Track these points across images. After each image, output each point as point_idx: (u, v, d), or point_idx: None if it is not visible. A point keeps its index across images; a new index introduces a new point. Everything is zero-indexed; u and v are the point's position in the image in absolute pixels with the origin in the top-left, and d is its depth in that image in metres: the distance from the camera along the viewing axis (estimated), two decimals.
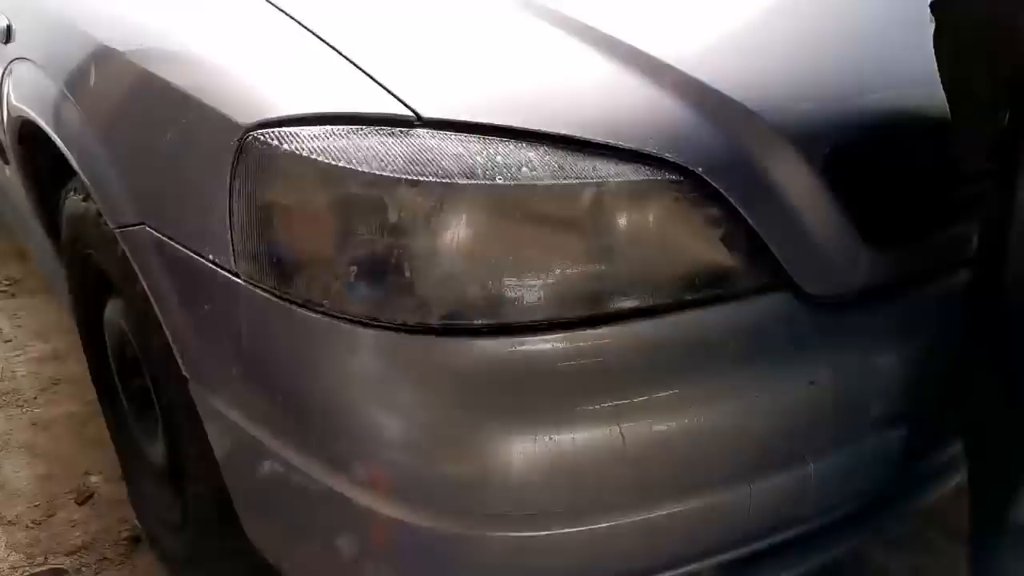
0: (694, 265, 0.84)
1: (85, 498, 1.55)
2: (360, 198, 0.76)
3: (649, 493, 0.82)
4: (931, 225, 0.97)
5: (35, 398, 1.85)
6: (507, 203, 0.77)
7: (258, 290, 0.84)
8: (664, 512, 0.82)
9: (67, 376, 1.92)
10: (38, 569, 1.40)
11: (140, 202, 1.01)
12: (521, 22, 1.01)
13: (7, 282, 2.34)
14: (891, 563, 1.39)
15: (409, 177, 0.76)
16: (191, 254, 0.91)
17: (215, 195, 0.86)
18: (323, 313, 0.80)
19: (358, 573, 0.88)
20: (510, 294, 0.78)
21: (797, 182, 0.85)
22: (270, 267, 0.83)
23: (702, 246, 0.85)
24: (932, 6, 0.79)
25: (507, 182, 0.77)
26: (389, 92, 0.83)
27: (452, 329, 0.78)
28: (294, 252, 0.82)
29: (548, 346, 0.78)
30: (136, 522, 1.46)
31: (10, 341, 2.06)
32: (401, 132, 0.79)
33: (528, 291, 0.78)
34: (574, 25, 0.99)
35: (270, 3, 1.00)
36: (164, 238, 0.96)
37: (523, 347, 0.78)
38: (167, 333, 1.00)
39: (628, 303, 0.81)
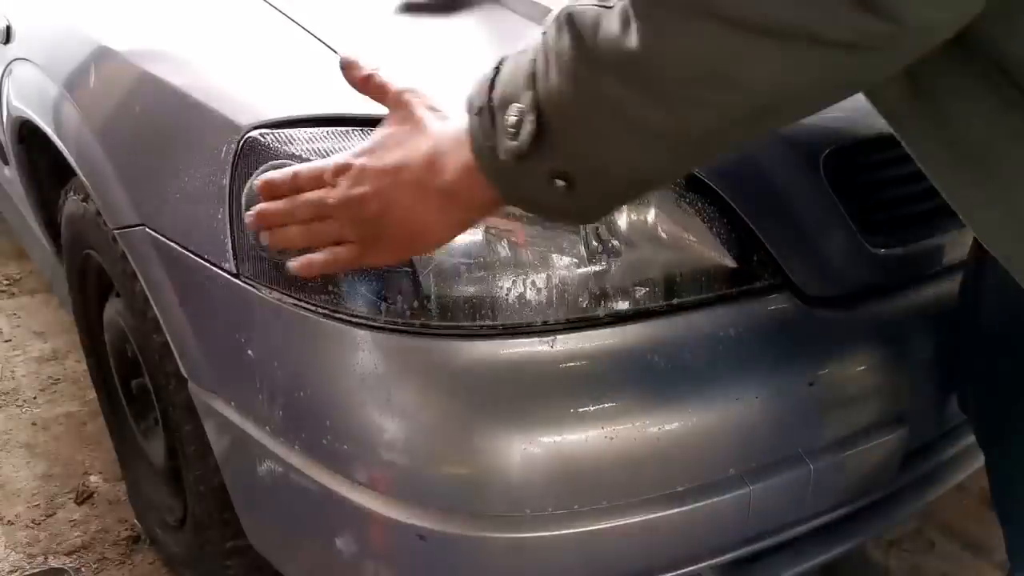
0: (693, 266, 0.84)
1: (85, 498, 1.55)
2: None
3: (649, 494, 0.82)
4: (931, 225, 0.97)
5: (35, 398, 1.85)
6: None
7: (257, 291, 0.84)
8: (664, 513, 0.82)
9: (67, 376, 1.92)
10: (38, 569, 1.40)
11: (139, 203, 1.01)
12: (520, 22, 1.01)
13: (7, 282, 2.34)
14: (891, 563, 1.39)
15: None
16: (190, 255, 0.91)
17: (215, 196, 0.86)
18: (323, 314, 0.80)
19: (357, 574, 0.88)
20: (509, 295, 0.78)
21: (796, 183, 0.85)
22: (270, 268, 0.83)
23: (701, 247, 0.85)
24: None
25: None
26: None
27: (452, 330, 0.78)
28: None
29: (548, 347, 0.78)
30: (136, 522, 1.46)
31: (10, 341, 2.06)
32: None
33: (528, 292, 0.78)
34: None
35: (269, 5, 1.00)
36: (163, 239, 0.96)
37: (523, 348, 0.78)
38: (167, 333, 1.00)
39: (627, 304, 0.81)
